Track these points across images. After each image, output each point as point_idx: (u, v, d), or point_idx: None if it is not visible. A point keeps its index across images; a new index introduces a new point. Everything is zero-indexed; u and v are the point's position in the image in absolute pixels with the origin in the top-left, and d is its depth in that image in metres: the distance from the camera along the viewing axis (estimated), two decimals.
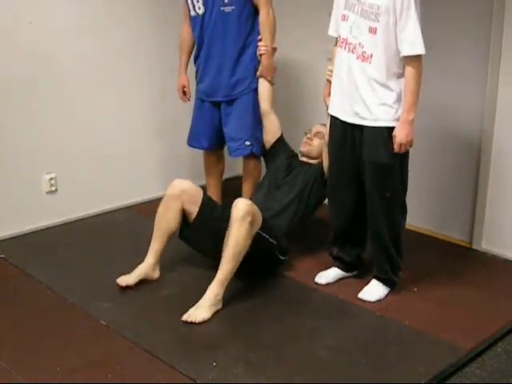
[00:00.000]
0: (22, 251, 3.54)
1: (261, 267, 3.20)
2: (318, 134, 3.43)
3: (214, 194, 3.74)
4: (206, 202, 3.18)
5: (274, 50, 3.57)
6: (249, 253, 2.88)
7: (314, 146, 3.44)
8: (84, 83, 3.88)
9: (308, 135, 3.50)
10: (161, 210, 3.13)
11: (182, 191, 3.11)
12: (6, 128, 3.61)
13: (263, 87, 3.59)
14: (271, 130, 3.61)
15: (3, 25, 3.50)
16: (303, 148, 3.50)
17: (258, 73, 3.56)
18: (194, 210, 3.13)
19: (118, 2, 3.95)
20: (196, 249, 3.24)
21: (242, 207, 2.85)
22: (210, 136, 3.74)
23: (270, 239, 3.07)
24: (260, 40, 3.53)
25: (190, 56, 3.76)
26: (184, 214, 3.14)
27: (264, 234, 3.02)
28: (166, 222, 3.11)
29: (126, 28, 4.01)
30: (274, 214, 3.27)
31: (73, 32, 3.77)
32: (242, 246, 2.84)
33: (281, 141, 3.62)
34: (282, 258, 3.21)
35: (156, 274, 3.17)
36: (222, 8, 3.45)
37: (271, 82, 3.60)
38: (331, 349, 2.64)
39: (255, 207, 2.93)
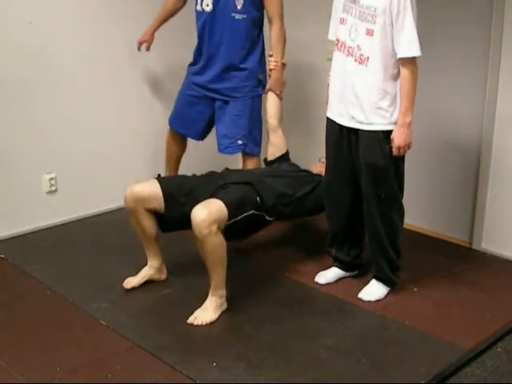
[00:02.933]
0: (22, 251, 3.54)
1: (247, 231, 3.11)
2: None
3: (175, 169, 3.83)
4: (166, 192, 2.99)
5: (284, 65, 3.56)
6: (234, 227, 2.82)
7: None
8: (84, 83, 3.88)
9: (323, 160, 3.45)
10: (131, 222, 3.06)
11: (136, 201, 2.97)
12: (6, 128, 3.61)
13: (272, 103, 3.55)
14: (276, 145, 3.54)
15: (3, 25, 3.51)
16: (315, 169, 3.44)
17: (268, 86, 3.56)
18: (159, 204, 2.99)
19: (118, 2, 3.95)
20: (182, 229, 3.04)
21: (200, 224, 2.68)
22: (198, 127, 3.73)
23: (252, 207, 2.95)
24: (271, 55, 3.52)
25: (162, 23, 3.77)
26: (154, 212, 3.02)
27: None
28: (143, 231, 3.05)
29: (126, 28, 4.01)
30: (272, 175, 3.22)
31: (73, 32, 3.77)
32: (219, 252, 2.77)
33: (286, 156, 3.55)
34: (269, 218, 3.07)
35: (163, 275, 3.18)
36: (233, 14, 3.42)
37: (280, 97, 3.57)
38: (331, 349, 2.64)
39: (213, 209, 2.74)
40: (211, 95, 3.61)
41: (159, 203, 2.98)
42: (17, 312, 2.94)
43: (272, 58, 3.53)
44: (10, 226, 3.70)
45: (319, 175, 3.35)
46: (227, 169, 3.47)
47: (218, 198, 2.82)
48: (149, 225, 3.03)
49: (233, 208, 2.82)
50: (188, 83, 3.72)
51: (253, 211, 2.95)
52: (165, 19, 3.78)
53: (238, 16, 3.43)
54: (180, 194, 3.01)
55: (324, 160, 3.42)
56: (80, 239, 3.72)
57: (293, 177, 3.31)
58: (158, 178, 3.07)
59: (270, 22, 3.49)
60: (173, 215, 3.00)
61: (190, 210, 2.77)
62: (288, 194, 3.15)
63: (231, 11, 3.42)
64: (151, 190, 2.99)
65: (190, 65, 3.71)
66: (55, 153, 3.83)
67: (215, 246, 2.74)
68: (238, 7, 3.41)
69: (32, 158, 3.74)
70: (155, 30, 3.81)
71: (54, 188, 3.86)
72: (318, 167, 3.43)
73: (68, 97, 3.83)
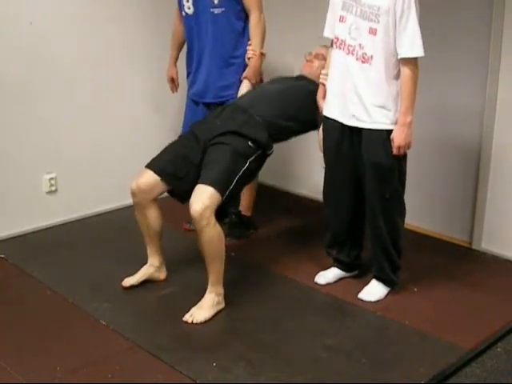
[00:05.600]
0: (22, 251, 3.54)
1: (252, 176, 3.13)
2: (317, 55, 3.36)
3: None
4: (164, 175, 2.99)
5: (263, 55, 3.56)
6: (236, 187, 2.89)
7: (314, 67, 3.34)
8: (84, 83, 3.88)
9: (308, 57, 3.41)
10: (138, 217, 3.09)
11: (143, 193, 2.98)
12: (6, 128, 3.61)
13: (243, 90, 3.51)
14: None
15: (3, 25, 3.51)
16: (304, 69, 3.40)
17: (244, 74, 3.54)
18: (164, 188, 3.01)
19: (117, 2, 3.95)
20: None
21: (197, 217, 2.74)
22: None
23: (248, 156, 2.97)
24: (250, 44, 3.53)
25: (180, 50, 3.78)
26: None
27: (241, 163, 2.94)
28: (147, 226, 3.08)
29: (126, 28, 4.01)
30: (262, 95, 3.22)
31: (73, 32, 3.77)
32: (216, 243, 2.82)
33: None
34: (269, 152, 3.09)
35: (163, 275, 3.19)
36: (211, 10, 3.44)
37: (254, 87, 3.55)
38: (331, 349, 2.64)
39: (205, 199, 2.76)
40: (207, 101, 3.61)
41: (164, 187, 3.02)
42: (17, 312, 2.94)
43: (250, 47, 3.53)
44: (10, 226, 3.70)
45: (315, 82, 3.26)
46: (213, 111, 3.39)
47: (204, 182, 2.83)
48: (154, 217, 3.05)
49: (222, 184, 2.85)
50: (187, 98, 3.74)
51: (248, 162, 2.97)
52: (179, 46, 3.77)
53: (216, 10, 3.44)
54: (176, 168, 3.01)
55: (309, 58, 3.38)
56: (80, 239, 3.72)
57: (283, 96, 3.23)
58: (149, 164, 3.05)
59: (248, 12, 3.50)
60: (181, 189, 3.02)
61: (195, 176, 2.89)
62: (282, 124, 3.12)
63: (210, 7, 3.44)
64: (154, 177, 3.00)
65: (187, 76, 3.72)
66: (55, 153, 3.83)
67: (213, 238, 2.79)
68: (215, 2, 3.42)
69: (32, 158, 3.74)
70: (175, 60, 3.81)
71: (53, 188, 3.86)
72: (305, 67, 3.38)
73: (68, 97, 3.83)
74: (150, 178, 2.99)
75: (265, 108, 3.13)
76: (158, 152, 4.23)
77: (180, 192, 3.03)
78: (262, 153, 3.05)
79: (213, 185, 2.81)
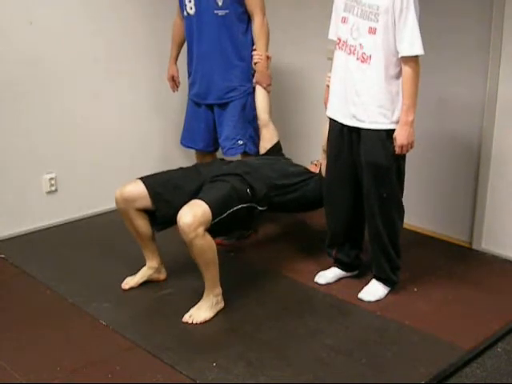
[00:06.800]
0: (22, 251, 3.54)
1: (239, 223, 3.09)
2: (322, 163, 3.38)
3: None
4: (152, 191, 2.98)
5: (269, 58, 3.57)
6: (222, 223, 2.82)
7: (317, 170, 3.37)
8: (84, 83, 3.88)
9: (315, 163, 3.46)
10: (126, 224, 3.07)
11: (126, 202, 2.98)
12: (6, 128, 3.61)
13: (261, 97, 3.56)
14: (268, 138, 3.57)
15: (3, 25, 3.51)
16: (310, 169, 3.44)
17: (254, 80, 3.56)
18: (148, 203, 2.99)
19: (118, 2, 3.95)
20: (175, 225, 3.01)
21: (185, 228, 2.68)
22: (205, 137, 3.72)
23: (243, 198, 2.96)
24: (255, 49, 3.53)
25: (180, 48, 3.78)
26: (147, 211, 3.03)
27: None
28: (136, 231, 3.06)
29: (126, 28, 4.02)
30: (267, 164, 3.26)
31: (73, 32, 3.77)
32: (208, 253, 2.77)
33: (277, 146, 3.58)
34: (261, 208, 3.08)
35: (162, 275, 3.19)
36: (215, 11, 3.43)
37: (267, 90, 3.59)
38: (331, 349, 2.64)
39: (198, 212, 2.72)
40: (210, 102, 3.61)
41: (148, 202, 2.99)
42: (17, 312, 2.94)
43: (256, 52, 3.53)
44: (10, 226, 3.70)
45: (315, 173, 3.36)
46: (222, 159, 3.46)
47: (201, 198, 2.81)
48: (142, 224, 3.03)
49: (216, 207, 2.80)
50: (188, 98, 3.74)
51: (241, 205, 2.94)
52: (179, 45, 3.77)
53: (220, 12, 3.44)
54: (166, 191, 3.01)
55: (316, 162, 3.42)
56: (80, 239, 3.72)
57: (288, 168, 3.32)
58: (143, 177, 3.05)
59: (251, 15, 3.51)
60: (163, 213, 2.99)
61: (179, 207, 2.78)
62: (283, 185, 3.17)
63: (213, 9, 3.44)
64: (139, 190, 2.99)
65: (188, 76, 3.72)
66: (55, 153, 3.83)
67: (203, 248, 2.74)
68: (219, 3, 3.42)
69: (32, 158, 3.74)
70: (175, 59, 3.81)
71: (53, 188, 3.86)
72: (311, 168, 3.43)
73: (68, 97, 3.83)
74: (138, 187, 2.99)
75: (269, 171, 3.18)
76: (158, 152, 4.25)
77: (161, 214, 2.99)
78: (255, 207, 3.02)
79: (208, 203, 2.78)
